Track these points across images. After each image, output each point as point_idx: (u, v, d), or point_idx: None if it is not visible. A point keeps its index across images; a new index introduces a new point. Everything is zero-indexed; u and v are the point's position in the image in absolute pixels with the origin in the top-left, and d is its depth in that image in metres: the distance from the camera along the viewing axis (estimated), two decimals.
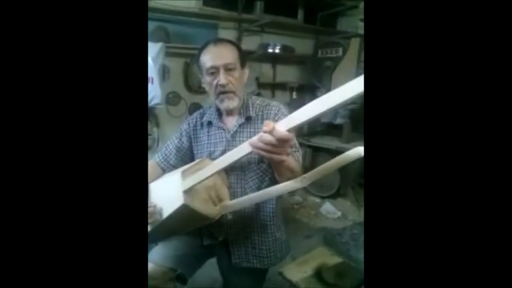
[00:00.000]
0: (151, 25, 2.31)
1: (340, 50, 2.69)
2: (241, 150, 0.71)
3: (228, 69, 0.92)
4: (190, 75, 2.50)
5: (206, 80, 0.95)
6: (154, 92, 2.10)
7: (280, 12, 2.93)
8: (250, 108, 0.99)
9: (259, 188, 0.96)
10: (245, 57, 0.99)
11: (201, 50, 0.96)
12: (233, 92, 0.94)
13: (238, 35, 2.71)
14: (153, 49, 2.08)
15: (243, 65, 0.97)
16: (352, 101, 0.52)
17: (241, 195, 0.96)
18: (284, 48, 2.81)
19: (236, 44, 0.99)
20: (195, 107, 2.51)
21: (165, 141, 2.38)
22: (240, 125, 0.97)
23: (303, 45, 3.04)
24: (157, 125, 2.40)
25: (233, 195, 0.97)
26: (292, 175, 0.80)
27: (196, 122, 1.05)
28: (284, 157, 0.68)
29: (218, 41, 0.96)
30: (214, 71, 0.92)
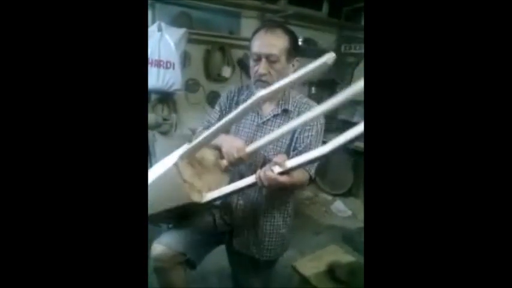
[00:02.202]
0: (175, 10, 2.30)
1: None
2: (246, 181, 0.80)
3: (270, 60, 0.90)
4: (210, 63, 2.49)
5: (251, 63, 0.95)
6: (175, 78, 2.10)
7: (304, 4, 2.86)
8: (290, 102, 0.97)
9: (271, 196, 0.98)
10: (297, 49, 0.95)
11: (255, 32, 0.94)
12: (269, 83, 0.91)
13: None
14: (176, 34, 2.07)
15: (290, 58, 0.93)
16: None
17: (255, 200, 0.99)
18: (306, 41, 2.76)
19: (291, 34, 0.93)
20: (213, 96, 2.50)
21: (182, 128, 2.40)
22: (274, 115, 0.97)
23: (325, 39, 2.97)
24: (175, 110, 2.41)
25: (247, 199, 0.99)
26: (297, 188, 0.90)
27: (234, 96, 1.05)
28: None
29: (271, 26, 0.93)
30: (257, 58, 0.91)
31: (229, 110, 1.03)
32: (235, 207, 0.99)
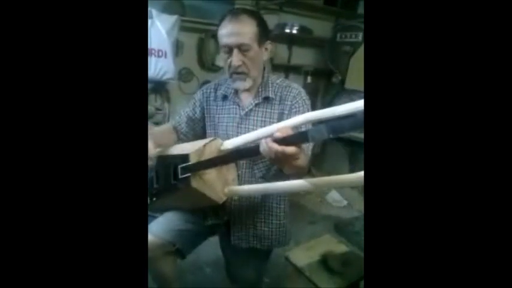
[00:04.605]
0: None
1: (360, 35, 2.58)
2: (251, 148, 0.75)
3: (242, 49, 0.86)
4: (204, 52, 2.44)
5: (221, 56, 0.91)
6: (167, 66, 2.05)
7: None
8: (270, 88, 0.94)
9: (268, 171, 0.95)
10: (266, 32, 0.91)
11: (219, 22, 0.90)
12: (246, 74, 0.89)
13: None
14: (168, 21, 2.02)
15: (261, 43, 0.89)
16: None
17: (249, 178, 0.95)
18: (302, 29, 2.71)
19: (257, 17, 0.89)
20: None
21: (175, 118, 2.37)
22: (256, 105, 0.94)
23: (321, 28, 2.92)
24: (168, 100, 2.37)
25: (241, 178, 0.95)
26: (298, 170, 0.77)
27: (210, 92, 1.01)
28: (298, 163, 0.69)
29: (236, 14, 0.88)
30: (227, 49, 0.87)
31: (207, 107, 1.01)
32: (229, 204, 0.97)
